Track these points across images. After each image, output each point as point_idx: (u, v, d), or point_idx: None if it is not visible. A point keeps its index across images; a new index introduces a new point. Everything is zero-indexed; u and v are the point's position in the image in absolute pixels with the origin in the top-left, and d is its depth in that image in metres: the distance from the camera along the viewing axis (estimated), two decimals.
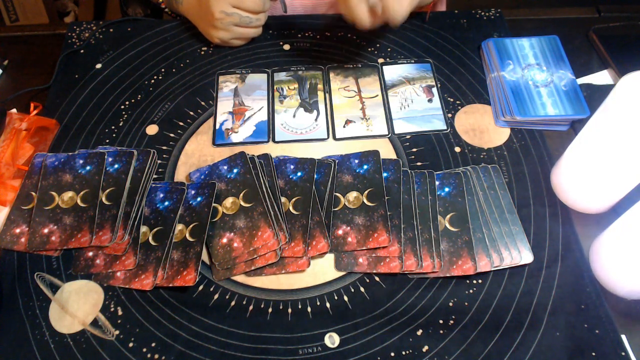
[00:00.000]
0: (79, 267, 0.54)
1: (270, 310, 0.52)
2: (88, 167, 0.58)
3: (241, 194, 0.57)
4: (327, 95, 0.69)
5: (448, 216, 0.56)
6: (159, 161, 0.62)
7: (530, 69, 0.68)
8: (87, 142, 0.64)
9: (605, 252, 0.53)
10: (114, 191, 0.56)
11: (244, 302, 0.53)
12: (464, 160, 0.63)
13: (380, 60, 0.73)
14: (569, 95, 0.65)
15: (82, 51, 0.73)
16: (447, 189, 0.58)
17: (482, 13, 0.78)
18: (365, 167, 0.59)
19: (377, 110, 0.67)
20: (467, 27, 0.76)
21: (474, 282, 0.54)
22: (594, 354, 0.49)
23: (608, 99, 0.50)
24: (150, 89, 0.69)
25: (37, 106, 0.65)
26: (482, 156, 0.63)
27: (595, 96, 0.66)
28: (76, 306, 0.52)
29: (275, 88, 0.70)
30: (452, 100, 0.68)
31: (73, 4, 1.61)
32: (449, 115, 0.67)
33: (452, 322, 0.51)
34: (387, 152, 0.63)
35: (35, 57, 0.74)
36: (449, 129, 0.65)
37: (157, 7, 0.80)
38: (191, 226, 0.55)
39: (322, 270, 0.55)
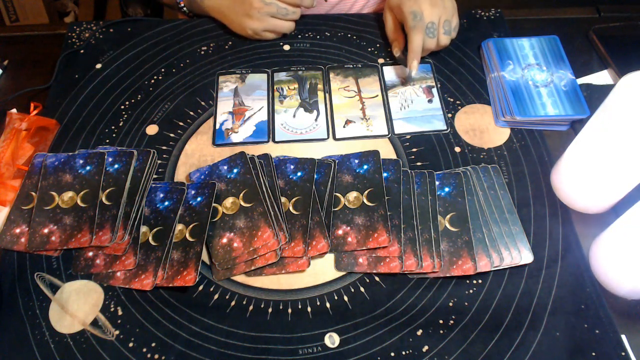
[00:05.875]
0: (79, 267, 0.54)
1: (270, 310, 0.52)
2: (88, 167, 0.58)
3: (241, 194, 0.57)
4: (327, 95, 0.69)
5: (448, 216, 0.56)
6: (159, 161, 0.62)
7: (530, 69, 0.68)
8: (87, 142, 0.64)
9: (605, 252, 0.53)
10: (114, 191, 0.56)
11: (244, 302, 0.53)
12: (464, 160, 0.63)
13: (380, 61, 0.72)
14: (569, 95, 0.65)
15: (82, 51, 0.73)
16: (447, 189, 0.58)
17: (482, 13, 0.78)
18: (365, 167, 0.59)
19: (377, 111, 0.67)
20: (467, 27, 0.76)
21: (474, 282, 0.54)
22: (594, 354, 0.49)
23: (608, 99, 0.50)
24: (150, 89, 0.69)
25: (37, 106, 0.65)
26: (482, 156, 0.63)
27: (595, 96, 0.66)
28: (76, 306, 0.52)
29: (275, 88, 0.69)
30: (452, 100, 0.68)
31: (73, 4, 1.61)
32: (449, 115, 0.67)
33: (452, 322, 0.51)
34: (387, 152, 0.63)
35: (35, 57, 0.74)
36: (449, 129, 0.65)
37: (158, 7, 0.79)
38: (191, 226, 0.55)
39: (322, 270, 0.55)
